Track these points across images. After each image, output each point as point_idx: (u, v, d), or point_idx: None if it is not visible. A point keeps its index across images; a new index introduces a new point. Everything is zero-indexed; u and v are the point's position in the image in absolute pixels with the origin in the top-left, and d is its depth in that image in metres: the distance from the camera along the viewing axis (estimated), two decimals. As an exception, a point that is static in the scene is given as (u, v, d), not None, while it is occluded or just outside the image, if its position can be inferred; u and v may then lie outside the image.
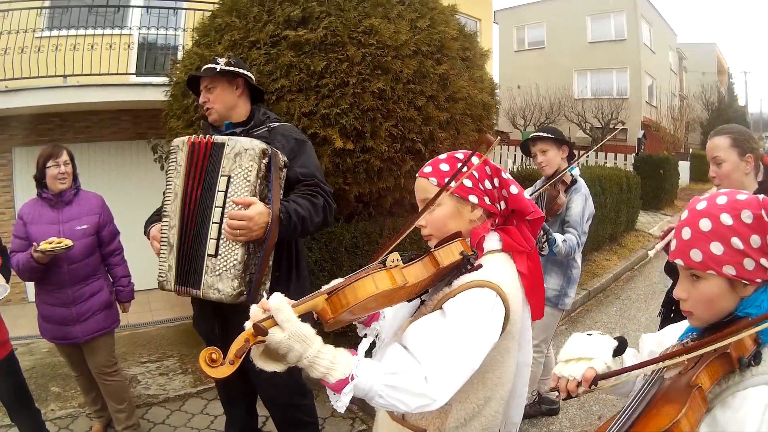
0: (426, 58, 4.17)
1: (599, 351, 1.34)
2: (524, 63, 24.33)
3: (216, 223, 2.21)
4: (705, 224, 1.11)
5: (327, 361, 1.12)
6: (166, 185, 2.41)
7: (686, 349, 1.11)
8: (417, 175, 1.48)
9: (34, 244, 2.92)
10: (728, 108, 26.30)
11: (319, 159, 3.69)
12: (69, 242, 2.96)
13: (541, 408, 3.75)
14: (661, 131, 18.86)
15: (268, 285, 2.28)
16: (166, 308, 6.61)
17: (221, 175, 2.23)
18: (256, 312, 1.16)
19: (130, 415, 3.56)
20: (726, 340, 1.04)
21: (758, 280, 1.09)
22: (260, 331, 1.09)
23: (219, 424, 3.73)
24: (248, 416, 3.09)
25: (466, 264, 1.33)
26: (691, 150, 19.44)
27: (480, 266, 1.34)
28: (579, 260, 3.42)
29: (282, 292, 2.42)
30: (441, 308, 1.32)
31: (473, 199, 1.42)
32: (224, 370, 1.07)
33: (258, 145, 2.20)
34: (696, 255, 1.12)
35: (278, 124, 2.55)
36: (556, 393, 1.35)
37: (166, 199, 2.39)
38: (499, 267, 1.37)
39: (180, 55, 6.99)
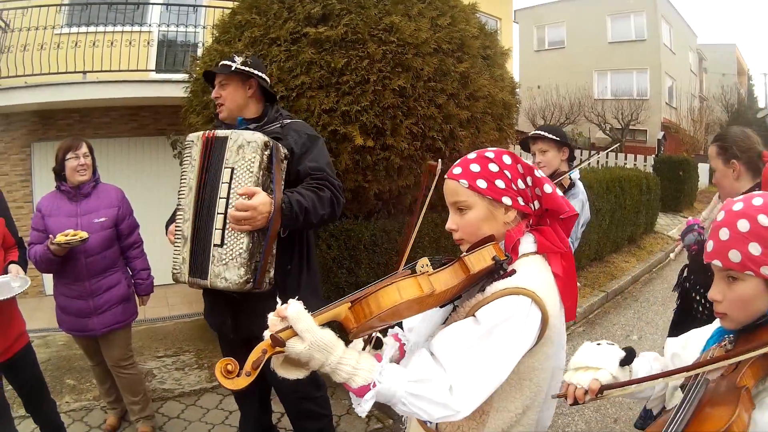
0: (447, 56, 4.14)
1: (606, 361, 1.36)
2: (544, 63, 24.17)
3: (221, 213, 2.25)
4: (743, 225, 1.11)
5: (349, 366, 1.11)
6: (181, 179, 2.44)
7: (737, 352, 1.09)
8: (446, 176, 1.43)
9: (50, 236, 2.94)
10: (748, 110, 25.93)
11: (339, 156, 3.72)
12: (84, 234, 2.97)
13: None
14: (681, 133, 18.68)
15: (272, 273, 2.31)
16: (183, 303, 6.63)
17: (225, 167, 2.27)
18: (273, 321, 1.14)
19: (145, 407, 3.57)
20: None
21: None
22: (278, 342, 1.08)
23: (234, 420, 3.73)
24: (262, 412, 3.08)
25: (498, 269, 1.28)
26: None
27: (513, 272, 1.29)
28: None
29: (293, 286, 2.46)
30: (473, 315, 1.27)
31: (506, 200, 1.35)
32: (240, 382, 1.06)
33: (260, 137, 2.24)
34: (735, 256, 1.11)
35: (291, 120, 2.56)
36: (564, 399, 1.37)
37: (181, 192, 2.43)
38: (533, 271, 1.32)
39: (200, 51, 7.01)
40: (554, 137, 3.17)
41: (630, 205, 7.70)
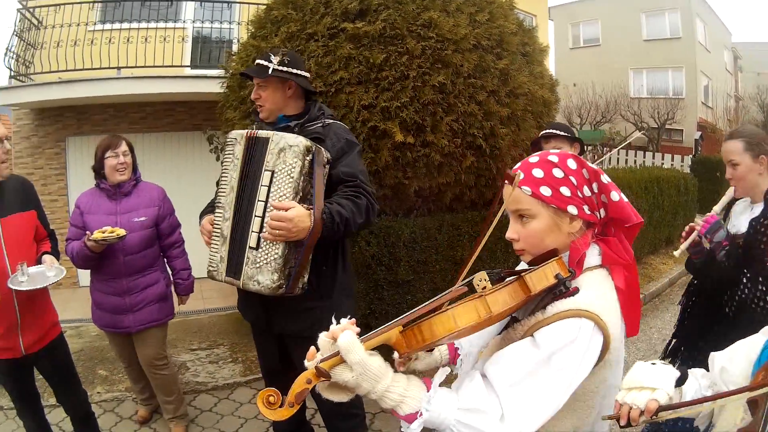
0: (486, 53, 4.08)
1: (662, 381, 1.26)
2: (580, 60, 23.96)
3: (258, 216, 2.23)
4: None
5: (397, 395, 1.08)
6: (221, 177, 2.41)
7: None
8: (506, 180, 1.32)
9: (87, 233, 2.93)
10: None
11: (378, 152, 3.70)
12: (122, 232, 2.95)
13: None
14: (717, 133, 18.27)
15: (306, 278, 2.29)
16: (219, 297, 6.65)
17: (265, 170, 2.24)
18: (324, 343, 1.11)
19: (179, 406, 3.56)
20: None
21: None
22: (323, 374, 1.06)
23: (266, 415, 3.73)
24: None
25: (560, 287, 1.19)
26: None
27: (576, 289, 1.20)
28: None
29: (327, 287, 2.43)
30: (532, 336, 1.18)
31: (572, 209, 1.25)
32: (283, 413, 1.05)
33: (302, 142, 2.19)
34: None
35: (333, 121, 2.51)
36: (615, 420, 1.27)
37: (221, 190, 2.40)
38: (597, 289, 1.23)
39: (235, 47, 7.02)
40: (566, 134, 3.26)
41: (668, 206, 7.55)
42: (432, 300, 1.14)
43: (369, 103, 3.69)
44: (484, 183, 4.26)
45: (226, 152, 2.42)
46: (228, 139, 2.43)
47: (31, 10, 7.46)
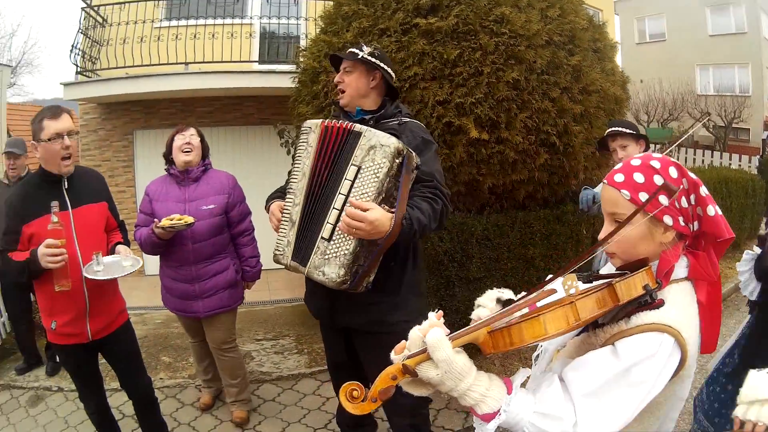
0: (558, 49, 4.02)
1: None
2: (646, 56, 23.10)
3: (337, 209, 2.21)
4: None
5: (478, 394, 1.11)
6: (294, 163, 2.42)
7: None
8: (605, 181, 1.31)
9: (155, 220, 3.00)
10: None
11: (453, 148, 3.70)
12: (190, 219, 3.00)
13: None
14: (785, 133, 17.43)
15: (372, 278, 2.26)
16: (286, 288, 6.75)
17: (351, 164, 2.21)
18: (415, 338, 1.14)
19: (242, 390, 3.61)
20: None
21: None
22: (409, 372, 1.08)
23: (330, 407, 3.77)
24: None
25: (646, 298, 1.17)
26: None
27: (662, 302, 1.18)
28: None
29: (394, 285, 2.43)
30: (613, 345, 1.18)
31: (668, 220, 1.22)
32: (366, 407, 1.07)
33: (395, 143, 2.15)
34: None
35: (409, 119, 2.50)
36: None
37: (293, 177, 2.40)
38: (681, 304, 1.20)
39: (303, 43, 7.10)
40: (631, 131, 3.25)
41: (736, 208, 7.30)
42: (520, 301, 1.16)
43: (443, 98, 3.68)
44: (557, 181, 4.20)
45: (300, 140, 2.43)
46: (303, 128, 2.44)
47: (95, 8, 7.70)
